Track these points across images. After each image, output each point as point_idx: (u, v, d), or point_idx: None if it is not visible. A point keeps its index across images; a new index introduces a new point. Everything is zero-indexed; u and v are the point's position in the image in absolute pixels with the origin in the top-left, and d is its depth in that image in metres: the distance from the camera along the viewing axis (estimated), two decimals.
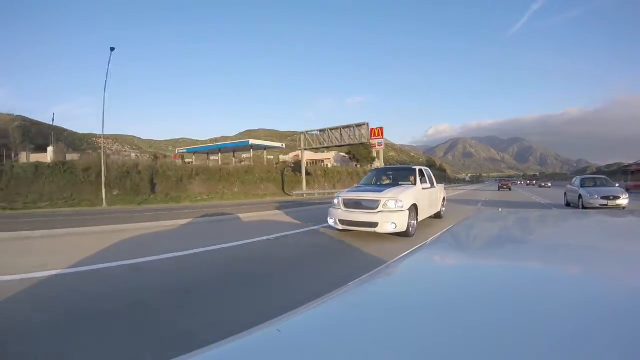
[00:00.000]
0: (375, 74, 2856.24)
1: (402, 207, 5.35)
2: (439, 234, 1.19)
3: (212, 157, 37.45)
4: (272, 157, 39.04)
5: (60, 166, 19.47)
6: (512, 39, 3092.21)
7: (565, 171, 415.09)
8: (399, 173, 7.42)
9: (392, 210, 5.29)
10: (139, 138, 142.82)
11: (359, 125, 20.30)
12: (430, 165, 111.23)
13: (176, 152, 41.33)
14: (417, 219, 5.89)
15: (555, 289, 0.62)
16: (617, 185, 11.51)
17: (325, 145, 23.13)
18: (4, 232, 6.36)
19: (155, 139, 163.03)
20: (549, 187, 47.08)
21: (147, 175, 19.97)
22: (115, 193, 19.62)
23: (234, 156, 37.81)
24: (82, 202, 17.09)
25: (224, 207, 12.92)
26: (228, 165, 27.58)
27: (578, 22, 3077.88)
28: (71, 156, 26.96)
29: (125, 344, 2.01)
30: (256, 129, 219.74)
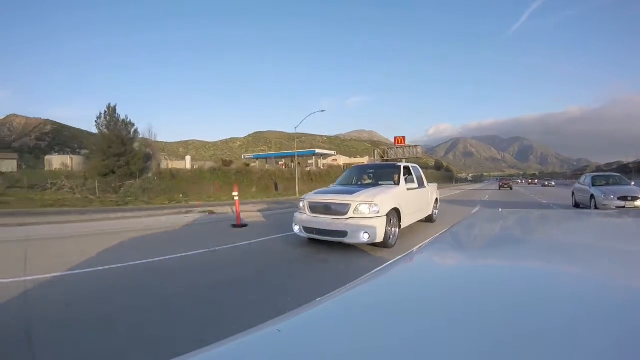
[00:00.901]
0: (375, 75, 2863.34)
1: (378, 212, 4.55)
2: (439, 234, 1.20)
3: (279, 163, 46.62)
4: (324, 161, 48.17)
5: (216, 171, 28.56)
6: (511, 38, 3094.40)
7: (565, 170, 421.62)
8: (381, 171, 6.65)
9: (365, 216, 4.52)
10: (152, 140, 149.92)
11: (415, 146, 30.23)
12: (438, 166, 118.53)
13: (242, 157, 50.53)
14: (399, 226, 5.14)
15: (556, 289, 0.63)
16: (633, 183, 10.26)
17: (392, 157, 32.96)
18: None
19: (166, 140, 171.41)
20: (552, 186, 46.23)
21: (273, 178, 29.23)
22: (253, 190, 28.76)
23: (292, 161, 46.92)
24: (246, 197, 26.13)
25: None
26: (320, 169, 37.11)
27: (578, 21, 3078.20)
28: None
29: None
30: (264, 130, 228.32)
